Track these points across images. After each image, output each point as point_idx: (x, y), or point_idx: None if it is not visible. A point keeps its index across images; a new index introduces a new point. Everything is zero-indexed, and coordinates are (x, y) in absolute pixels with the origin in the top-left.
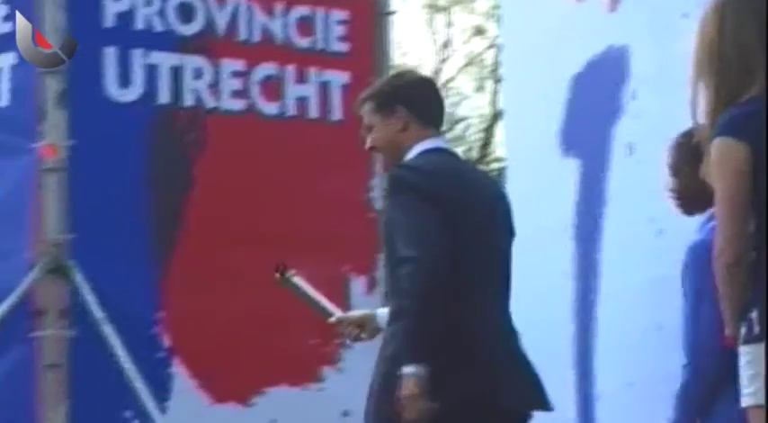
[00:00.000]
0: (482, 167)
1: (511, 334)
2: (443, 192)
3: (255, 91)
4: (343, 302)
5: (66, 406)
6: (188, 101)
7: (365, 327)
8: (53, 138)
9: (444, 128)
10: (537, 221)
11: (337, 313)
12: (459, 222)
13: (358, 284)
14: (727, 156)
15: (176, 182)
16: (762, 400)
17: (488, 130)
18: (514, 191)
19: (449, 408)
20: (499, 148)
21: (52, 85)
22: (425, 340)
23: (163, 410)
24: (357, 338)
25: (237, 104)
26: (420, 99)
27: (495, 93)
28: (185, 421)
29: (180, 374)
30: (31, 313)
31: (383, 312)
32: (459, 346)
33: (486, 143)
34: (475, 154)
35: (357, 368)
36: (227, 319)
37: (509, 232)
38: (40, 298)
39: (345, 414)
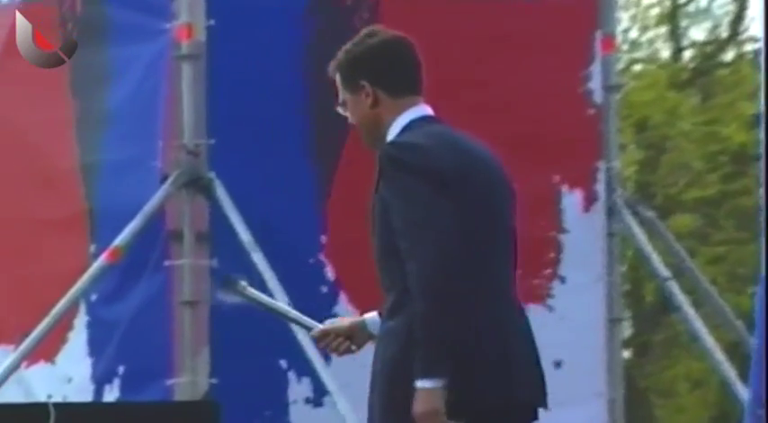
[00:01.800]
0: (734, 50)
1: (520, 318)
2: (444, 167)
3: None
4: (556, 225)
5: (207, 352)
6: None
7: (355, 337)
8: (189, 17)
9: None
10: None
11: (316, 325)
12: (463, 199)
13: (572, 200)
14: None
15: None
16: None
17: (740, 2)
18: None
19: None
20: (754, 24)
21: None
22: (443, 348)
23: (327, 358)
24: (347, 351)
25: None
26: (383, 68)
27: None
28: (354, 372)
29: (348, 314)
30: (163, 237)
31: (373, 318)
32: (477, 344)
33: (737, 18)
34: (723, 32)
35: (571, 307)
36: None
37: (511, 207)
38: (174, 218)
39: (557, 365)
